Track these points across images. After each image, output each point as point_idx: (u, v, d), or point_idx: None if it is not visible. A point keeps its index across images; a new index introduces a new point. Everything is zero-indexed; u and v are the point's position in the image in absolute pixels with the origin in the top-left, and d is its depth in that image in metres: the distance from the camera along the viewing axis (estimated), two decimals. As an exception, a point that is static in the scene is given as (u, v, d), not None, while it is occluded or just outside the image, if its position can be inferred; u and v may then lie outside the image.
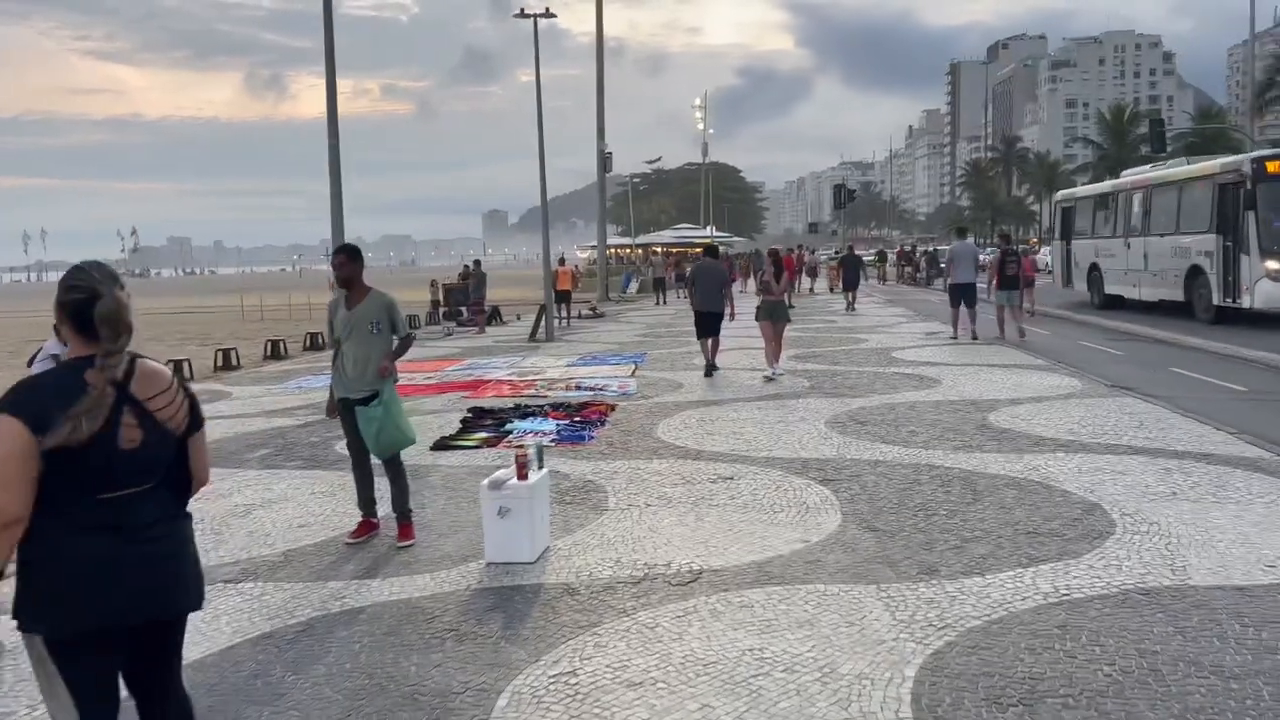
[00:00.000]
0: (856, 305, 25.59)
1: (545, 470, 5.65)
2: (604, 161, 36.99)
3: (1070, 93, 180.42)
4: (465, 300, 26.28)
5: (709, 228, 63.18)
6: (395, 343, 5.97)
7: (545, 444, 8.48)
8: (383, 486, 6.06)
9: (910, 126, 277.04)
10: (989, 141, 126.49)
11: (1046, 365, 13.01)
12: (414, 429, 6.05)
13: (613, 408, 10.41)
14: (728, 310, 13.35)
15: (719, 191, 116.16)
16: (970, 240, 19.22)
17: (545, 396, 11.65)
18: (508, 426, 9.32)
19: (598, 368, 14.48)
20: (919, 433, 8.52)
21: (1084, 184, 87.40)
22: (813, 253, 43.28)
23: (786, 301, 13.68)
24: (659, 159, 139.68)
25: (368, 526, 6.05)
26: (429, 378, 14.04)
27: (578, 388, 12.29)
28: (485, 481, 5.42)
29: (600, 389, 12.09)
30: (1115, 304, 22.46)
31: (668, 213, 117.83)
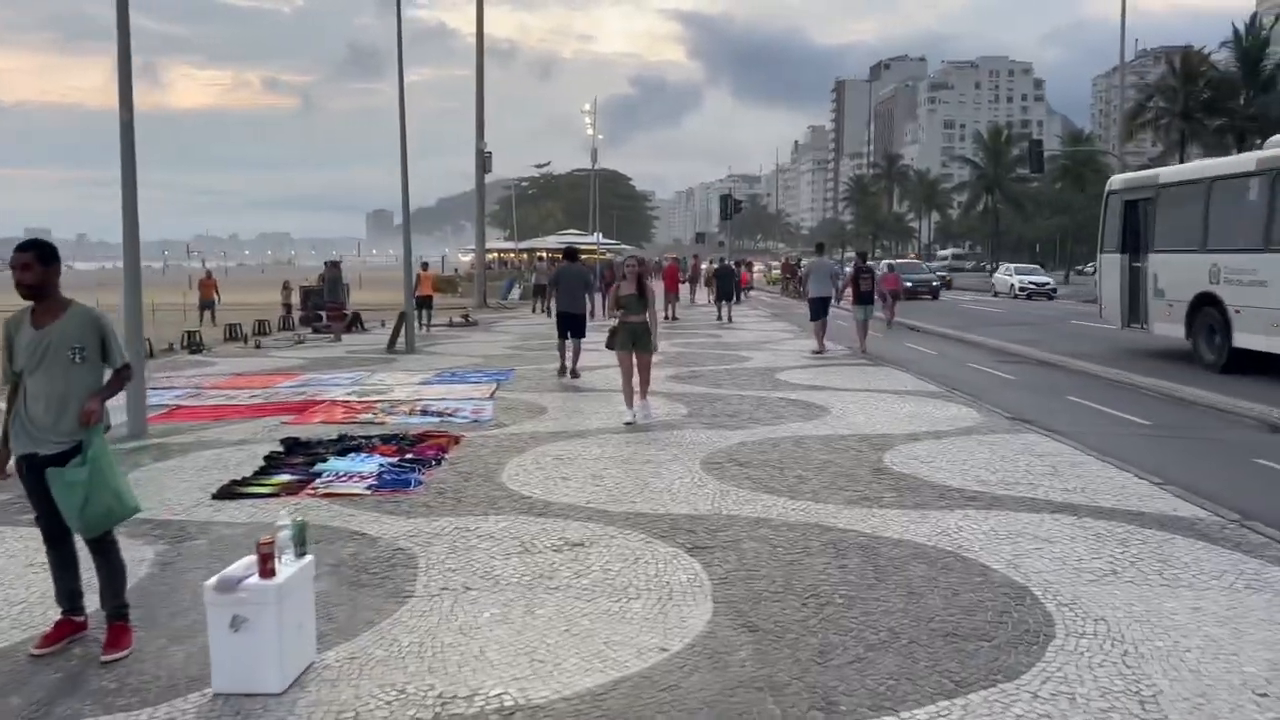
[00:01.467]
0: (734, 318, 25.84)
1: (309, 558, 4.11)
2: (483, 161, 35.24)
3: (948, 114, 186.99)
4: (323, 304, 24.25)
5: (596, 234, 61.84)
6: (107, 375, 4.34)
7: (363, 491, 6.92)
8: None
9: (796, 142, 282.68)
10: (871, 159, 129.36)
11: (940, 392, 12.07)
12: (134, 494, 4.41)
13: (457, 440, 8.87)
14: (588, 311, 14.04)
15: (608, 198, 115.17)
16: (826, 257, 19.78)
17: (382, 424, 10.02)
18: (319, 466, 7.68)
19: (453, 387, 12.88)
20: (808, 478, 7.28)
21: (962, 201, 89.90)
22: (710, 263, 42.61)
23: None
24: (548, 163, 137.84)
25: (67, 628, 4.38)
26: (254, 396, 12.19)
27: (423, 412, 10.69)
28: (211, 581, 3.85)
29: (449, 414, 10.53)
30: (1245, 364, 13.73)
31: (555, 218, 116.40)
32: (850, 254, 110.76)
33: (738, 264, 36.92)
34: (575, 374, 13.53)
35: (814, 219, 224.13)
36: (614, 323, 10.18)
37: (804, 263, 26.84)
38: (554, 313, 14.06)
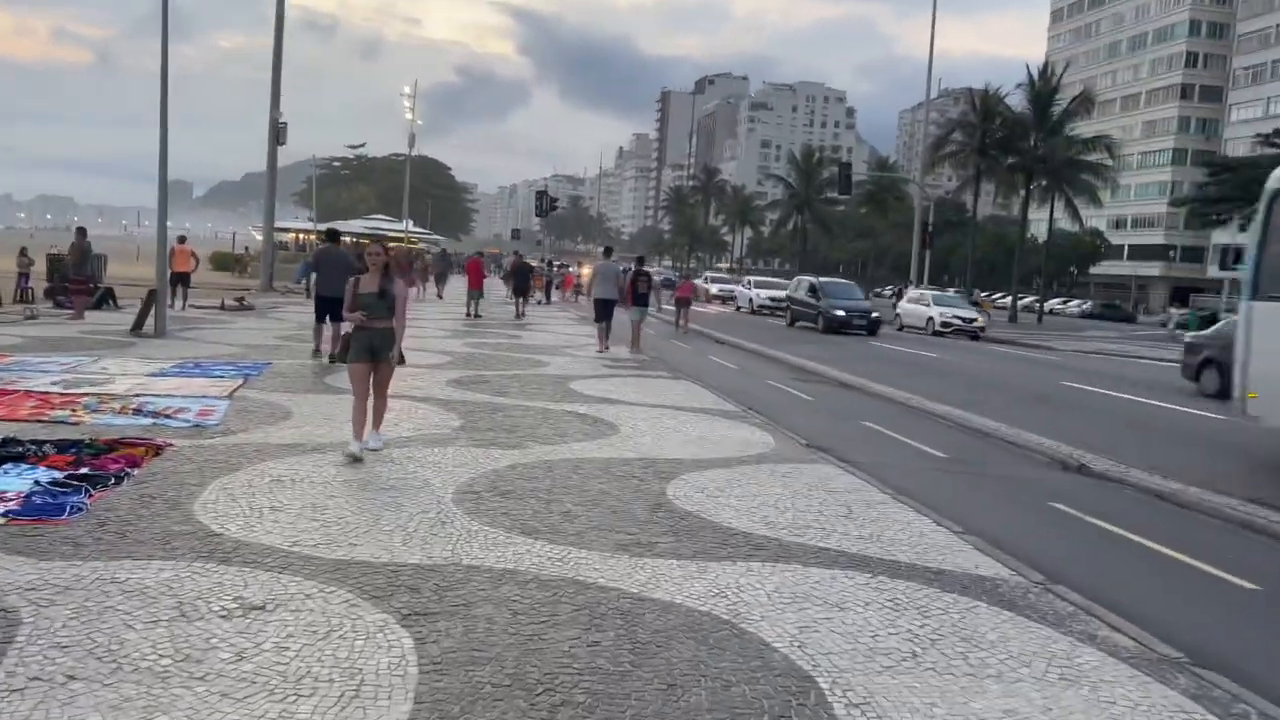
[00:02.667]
0: (525, 314, 26.78)
1: None
2: (277, 132, 32.42)
3: (766, 134, 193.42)
4: (92, 278, 21.27)
5: (406, 221, 59.10)
6: None
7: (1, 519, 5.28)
8: None
9: (621, 148, 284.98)
10: (691, 170, 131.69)
11: (737, 412, 11.33)
12: None
13: (159, 450, 7.23)
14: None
15: (425, 186, 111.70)
16: (613, 260, 20.20)
17: (77, 423, 8.20)
18: (-53, 482, 5.90)
19: (189, 380, 11.03)
20: (576, 515, 6.19)
21: (774, 219, 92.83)
22: (544, 262, 41.73)
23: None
24: (363, 145, 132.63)
25: None
26: (-73, 381, 9.94)
27: (136, 411, 8.89)
28: None
29: (169, 415, 8.80)
30: None
31: (367, 201, 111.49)
32: (667, 262, 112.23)
33: (553, 264, 36.68)
34: (333, 357, 12.75)
35: (635, 225, 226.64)
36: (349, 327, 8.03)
37: (588, 268, 26.85)
38: (314, 295, 14.28)
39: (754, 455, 8.68)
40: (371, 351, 7.45)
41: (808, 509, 6.76)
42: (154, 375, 11.29)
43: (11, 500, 5.64)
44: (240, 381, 11.13)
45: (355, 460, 7.25)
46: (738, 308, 42.47)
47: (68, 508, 5.57)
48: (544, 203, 37.69)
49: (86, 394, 9.65)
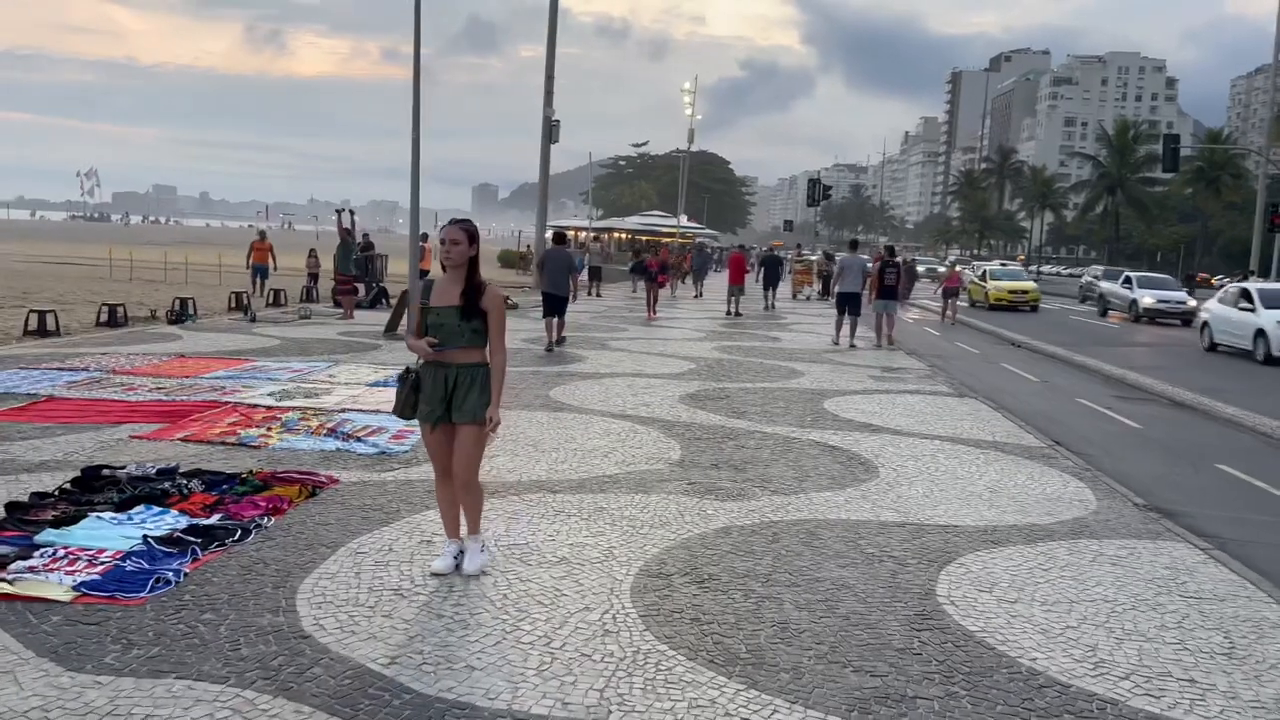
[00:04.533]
0: (776, 305, 26.69)
1: None
2: (550, 130, 32.56)
3: (1070, 110, 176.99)
4: (361, 277, 22.00)
5: (680, 217, 58.84)
6: None
7: (63, 593, 4.28)
8: None
9: (907, 133, 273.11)
10: (984, 153, 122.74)
11: (1041, 449, 8.83)
12: None
13: (315, 490, 6.15)
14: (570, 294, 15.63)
15: (704, 181, 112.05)
16: (860, 254, 19.66)
17: (261, 445, 7.41)
18: (46, 536, 5.02)
19: (407, 392, 10.20)
20: (797, 630, 4.31)
21: (1079, 202, 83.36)
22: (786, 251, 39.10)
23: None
24: (645, 143, 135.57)
25: None
26: (157, 389, 9.74)
27: (330, 431, 8.03)
28: None
29: (362, 436, 7.86)
30: None
31: (648, 198, 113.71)
32: (956, 252, 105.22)
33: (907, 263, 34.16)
34: (561, 340, 14.76)
35: (920, 213, 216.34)
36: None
37: (838, 259, 25.31)
38: (541, 293, 15.23)
39: (1068, 522, 6.33)
40: (446, 401, 4.65)
41: (1160, 635, 4.44)
42: (375, 385, 10.59)
43: (102, 564, 4.65)
44: (459, 394, 10.16)
45: (437, 575, 4.71)
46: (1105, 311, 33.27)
47: (153, 580, 4.47)
48: (816, 191, 35.38)
49: (293, 408, 8.98)
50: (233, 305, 19.25)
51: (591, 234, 52.57)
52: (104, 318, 15.97)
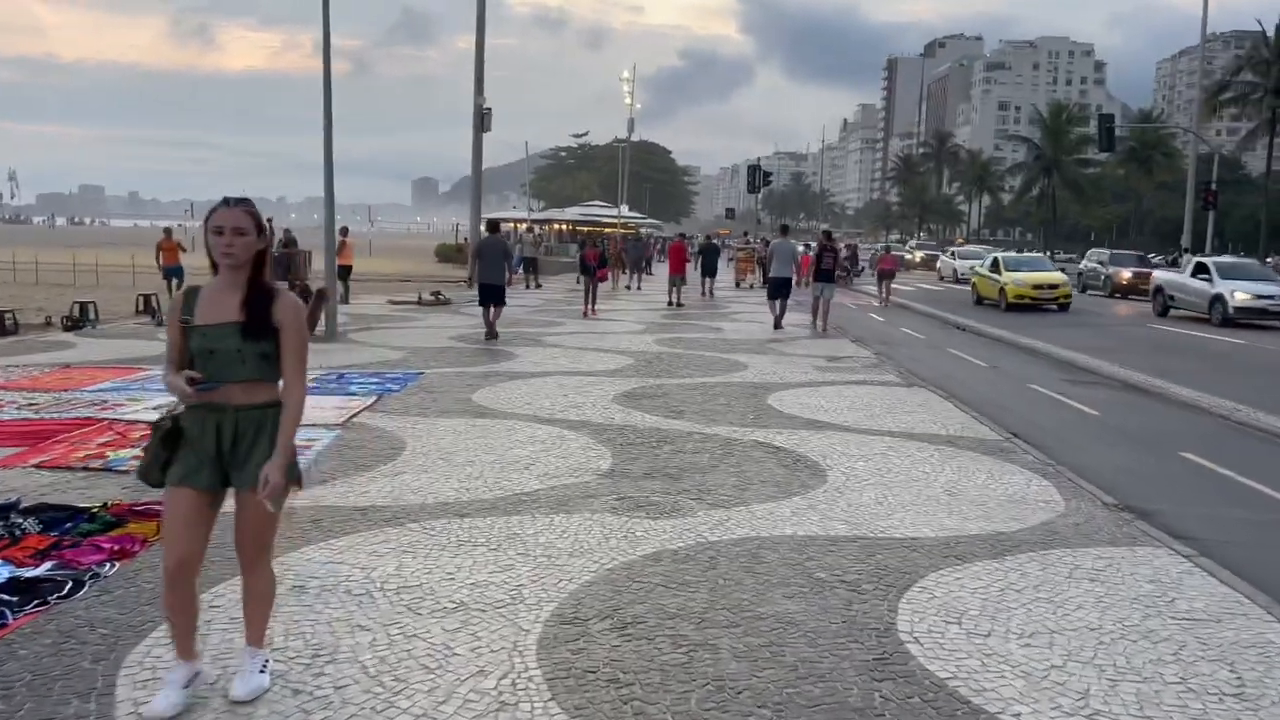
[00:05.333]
0: (714, 294, 26.52)
1: None
2: (481, 119, 31.50)
3: (1003, 95, 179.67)
4: (279, 275, 20.88)
5: (621, 206, 58.02)
6: None
7: None
8: None
9: (845, 120, 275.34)
10: (921, 138, 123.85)
11: (998, 442, 8.24)
12: None
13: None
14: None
15: (646, 171, 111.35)
16: (789, 239, 20.23)
17: (133, 467, 6.50)
18: None
19: (313, 400, 9.29)
20: (737, 697, 3.60)
21: (1017, 185, 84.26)
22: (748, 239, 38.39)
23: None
24: (585, 133, 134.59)
25: None
26: (31, 402, 8.72)
27: (216, 449, 7.12)
28: None
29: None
30: None
31: (590, 189, 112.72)
32: (895, 237, 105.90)
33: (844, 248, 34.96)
34: (494, 334, 14.69)
35: (860, 199, 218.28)
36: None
37: (770, 244, 25.59)
38: (477, 284, 15.58)
39: (1035, 528, 5.71)
40: (220, 464, 3.27)
41: (1158, 673, 3.80)
42: (279, 393, 9.66)
43: (-122, 637, 3.75)
44: (372, 400, 9.30)
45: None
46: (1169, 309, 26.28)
47: (-59, 657, 3.60)
48: (756, 177, 34.84)
49: (179, 423, 8.04)
50: (140, 309, 18.05)
51: (527, 225, 51.54)
52: (-9, 325, 14.74)
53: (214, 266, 3.28)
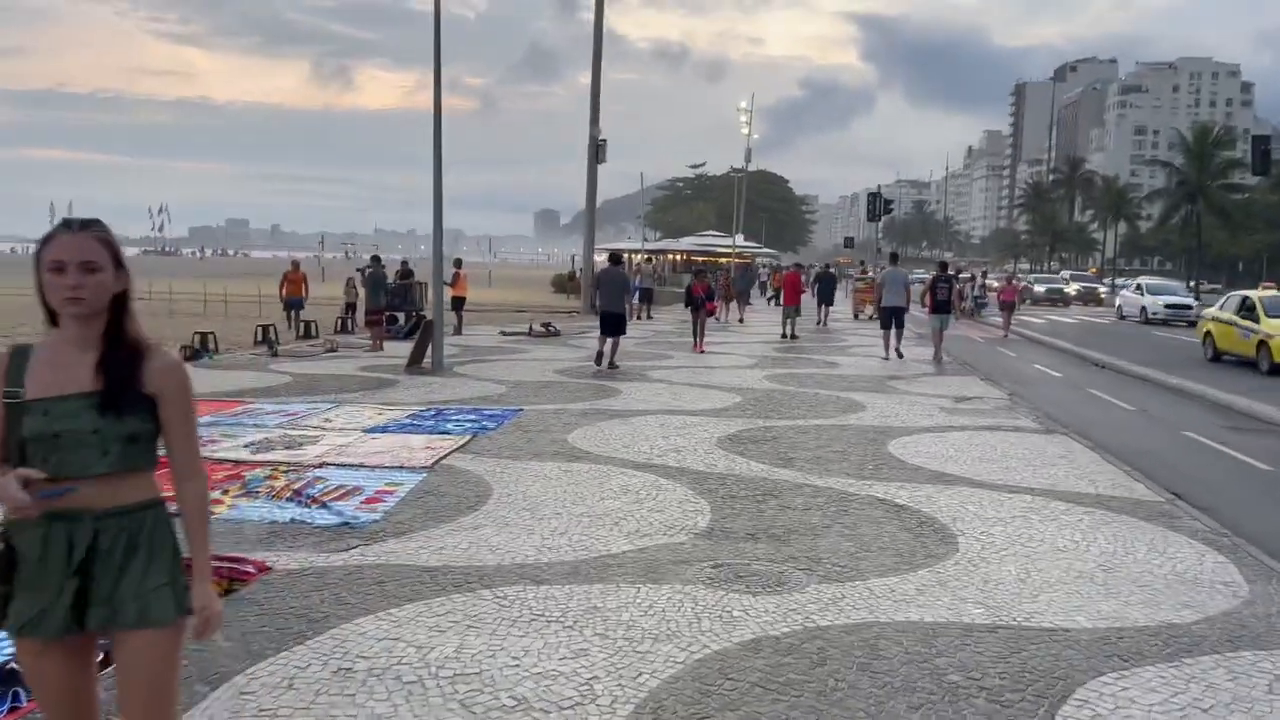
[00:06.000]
0: (828, 323, 26.13)
1: None
2: (596, 150, 31.52)
3: (1139, 119, 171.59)
4: (399, 306, 21.09)
5: (736, 236, 57.37)
6: None
7: None
8: None
9: (970, 147, 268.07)
10: (1051, 165, 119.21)
11: (1157, 504, 7.18)
12: None
13: (230, 587, 4.85)
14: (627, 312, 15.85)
15: (763, 201, 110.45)
16: (900, 268, 19.81)
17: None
18: None
19: (404, 439, 8.94)
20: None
21: (1155, 212, 79.68)
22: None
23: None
24: (703, 164, 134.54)
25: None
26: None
27: (295, 494, 6.78)
28: None
29: (329, 500, 6.61)
30: None
31: (706, 219, 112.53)
32: (1024, 266, 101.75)
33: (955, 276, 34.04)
34: (615, 364, 14.82)
35: (985, 227, 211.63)
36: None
37: (877, 273, 24.97)
38: (599, 313, 15.67)
39: (1215, 619, 4.75)
40: (81, 593, 2.26)
41: None
42: (372, 430, 9.35)
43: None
44: (466, 439, 8.88)
45: None
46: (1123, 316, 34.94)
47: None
48: (876, 205, 33.67)
49: (265, 463, 7.77)
50: (258, 339, 18.34)
51: (644, 255, 51.40)
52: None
53: (51, 317, 2.34)
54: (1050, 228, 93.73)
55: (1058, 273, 67.18)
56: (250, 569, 5.09)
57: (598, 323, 15.69)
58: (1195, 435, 10.90)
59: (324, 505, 6.51)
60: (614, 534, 5.95)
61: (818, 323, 25.89)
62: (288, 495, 6.77)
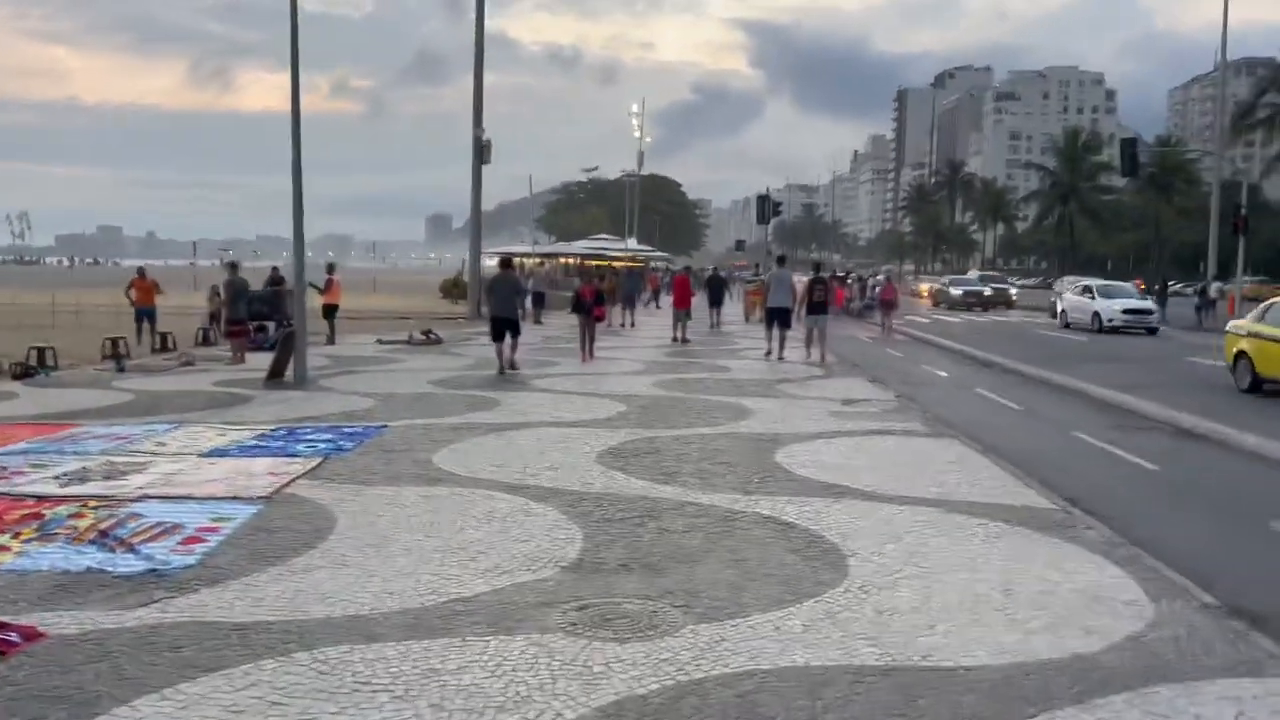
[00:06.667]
0: (721, 325, 26.27)
1: None
2: (481, 150, 30.60)
3: (1014, 125, 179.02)
4: (268, 315, 19.76)
5: (629, 240, 57.00)
6: None
7: None
8: None
9: (856, 151, 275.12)
10: (933, 168, 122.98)
11: (1053, 514, 6.86)
12: None
13: (-12, 658, 3.98)
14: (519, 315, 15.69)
15: (656, 204, 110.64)
16: (786, 269, 20.02)
17: (-24, 569, 5.21)
18: None
19: (247, 463, 8.01)
20: None
21: (1031, 214, 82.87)
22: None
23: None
24: (595, 168, 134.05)
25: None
26: (-92, 476, 7.47)
27: (102, 535, 5.85)
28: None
29: (140, 541, 5.72)
30: None
31: (600, 223, 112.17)
32: (909, 267, 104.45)
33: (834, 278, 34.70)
34: (515, 365, 14.86)
35: (872, 230, 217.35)
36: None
37: (765, 275, 25.46)
38: (489, 318, 15.58)
39: (1122, 646, 4.34)
40: None
41: None
42: (211, 454, 8.39)
43: None
44: (315, 463, 8.01)
45: None
46: (1068, 324, 29.95)
47: None
48: (765, 208, 33.67)
49: (74, 498, 6.77)
50: (105, 353, 16.87)
51: (536, 259, 50.55)
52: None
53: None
54: (933, 229, 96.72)
55: (941, 274, 69.01)
56: (13, 637, 4.20)
57: (487, 329, 15.16)
58: (1086, 436, 10.77)
59: (131, 549, 5.61)
60: (469, 572, 5.24)
61: (711, 325, 25.91)
62: (91, 537, 5.83)
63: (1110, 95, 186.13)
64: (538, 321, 28.25)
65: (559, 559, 5.50)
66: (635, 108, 64.35)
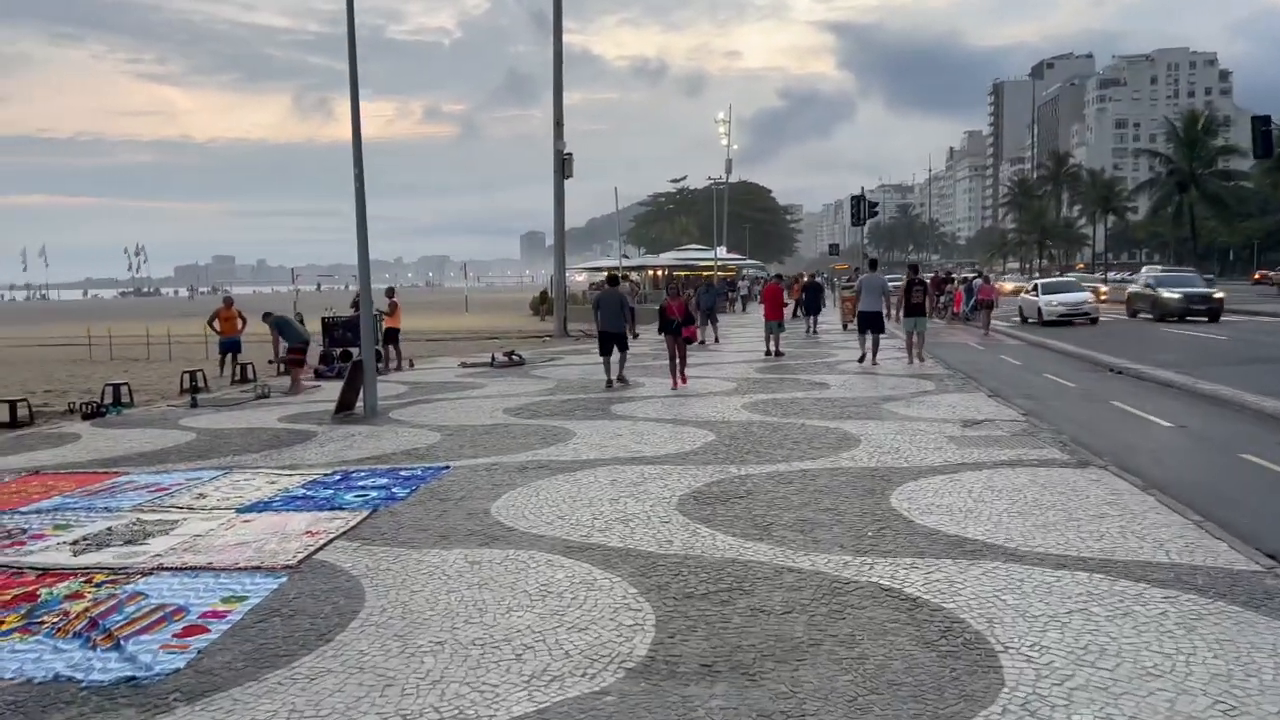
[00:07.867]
0: (818, 333, 26.05)
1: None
2: (562, 164, 29.86)
3: (1120, 112, 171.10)
4: (352, 341, 19.27)
5: (718, 249, 55.75)
6: None
7: None
8: None
9: (951, 148, 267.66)
10: (1034, 161, 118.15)
11: (1248, 568, 5.40)
12: None
13: None
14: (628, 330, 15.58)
15: (746, 212, 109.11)
16: (878, 273, 19.23)
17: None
18: None
19: (283, 519, 7.12)
20: None
21: (1142, 205, 78.24)
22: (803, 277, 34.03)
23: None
24: (684, 178, 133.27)
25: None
26: (-80, 543, 6.79)
27: (91, 624, 4.97)
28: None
29: (127, 632, 4.81)
30: None
31: (689, 233, 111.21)
32: (1013, 265, 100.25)
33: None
34: (624, 380, 15.12)
35: (970, 228, 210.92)
36: None
37: (859, 278, 23.04)
38: (598, 333, 15.63)
39: None
40: None
41: None
42: (250, 509, 7.53)
43: None
44: (361, 517, 7.07)
45: None
46: (1024, 319, 30.45)
47: None
48: (860, 209, 32.00)
49: (78, 571, 5.94)
50: (183, 388, 16.51)
51: (623, 273, 49.74)
52: (4, 417, 13.23)
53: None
54: (1038, 224, 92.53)
55: (1049, 272, 65.70)
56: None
57: (571, 346, 14.47)
58: (1256, 458, 9.12)
59: (117, 645, 4.69)
60: (508, 680, 4.14)
61: (807, 332, 25.88)
62: (79, 626, 4.95)
63: (1224, 76, 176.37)
64: (634, 335, 27.24)
65: (624, 656, 4.36)
66: (721, 114, 63.33)
